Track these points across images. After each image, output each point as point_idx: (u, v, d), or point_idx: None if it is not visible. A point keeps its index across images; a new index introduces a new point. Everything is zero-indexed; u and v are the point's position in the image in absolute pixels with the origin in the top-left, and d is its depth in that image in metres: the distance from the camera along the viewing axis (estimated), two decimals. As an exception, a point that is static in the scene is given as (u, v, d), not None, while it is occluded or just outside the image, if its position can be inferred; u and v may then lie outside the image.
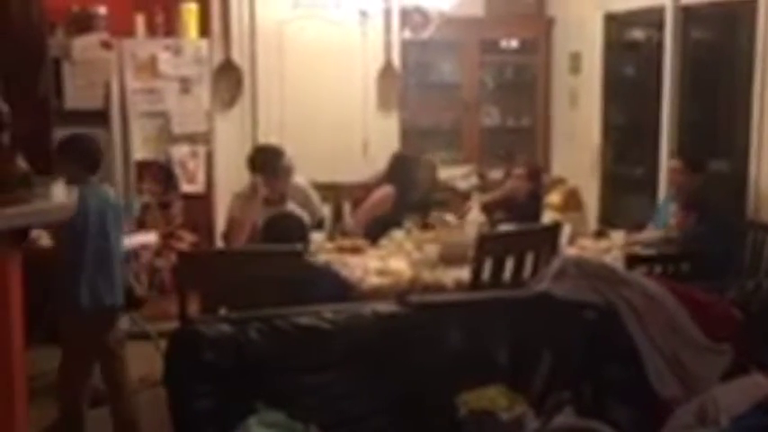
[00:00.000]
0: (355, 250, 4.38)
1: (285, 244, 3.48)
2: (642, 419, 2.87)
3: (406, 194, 5.02)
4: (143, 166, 5.78)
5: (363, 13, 6.35)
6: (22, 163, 3.10)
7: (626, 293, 3.05)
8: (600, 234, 4.90)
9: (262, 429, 2.51)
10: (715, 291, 3.23)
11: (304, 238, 3.72)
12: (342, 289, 3.71)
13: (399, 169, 5.16)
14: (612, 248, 4.39)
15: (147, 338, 4.82)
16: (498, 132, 7.31)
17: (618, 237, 4.49)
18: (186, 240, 5.63)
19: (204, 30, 5.98)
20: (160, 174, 5.80)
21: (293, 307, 2.91)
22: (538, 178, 5.30)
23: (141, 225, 5.58)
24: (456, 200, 6.28)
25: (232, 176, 5.63)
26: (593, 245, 4.51)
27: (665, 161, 5.75)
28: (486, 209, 5.08)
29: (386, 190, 5.03)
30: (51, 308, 3.88)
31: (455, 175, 6.79)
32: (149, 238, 5.12)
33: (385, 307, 2.97)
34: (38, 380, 4.09)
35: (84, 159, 3.89)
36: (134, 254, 5.19)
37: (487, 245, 3.82)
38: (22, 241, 3.02)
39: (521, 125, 7.38)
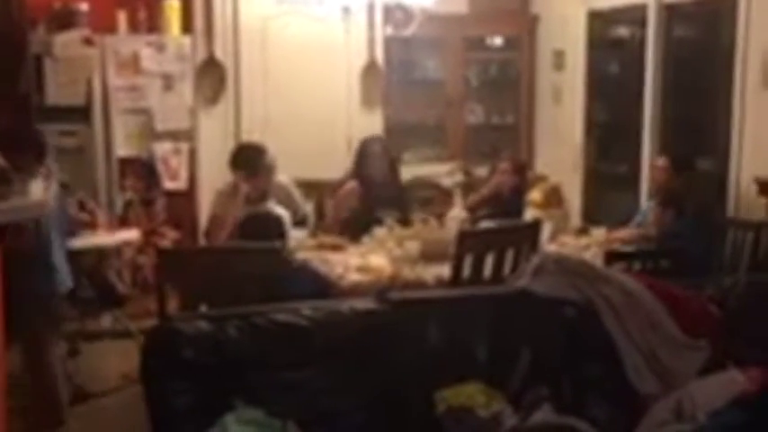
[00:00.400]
0: (336, 247, 4.38)
1: (262, 242, 3.48)
2: (620, 415, 2.88)
3: (371, 186, 4.99)
4: (125, 163, 5.77)
5: (346, 10, 6.33)
6: (0, 160, 3.10)
7: (604, 290, 3.06)
8: (582, 231, 4.92)
9: (239, 427, 2.51)
10: (693, 287, 3.25)
11: (282, 235, 3.73)
12: (320, 286, 3.71)
13: (358, 160, 5.13)
14: (592, 245, 4.40)
15: (130, 336, 4.81)
16: (482, 129, 7.32)
17: (598, 234, 4.51)
18: (169, 237, 5.62)
19: (187, 26, 5.97)
20: (143, 171, 5.79)
21: (272, 304, 2.91)
22: (523, 173, 5.30)
23: (124, 222, 5.57)
24: (441, 197, 6.29)
25: (215, 173, 5.62)
26: (573, 242, 4.53)
27: (648, 158, 5.78)
28: (472, 209, 5.08)
29: (349, 185, 5.03)
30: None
31: (440, 172, 6.79)
32: (132, 235, 5.11)
33: (363, 304, 2.97)
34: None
35: (31, 150, 3.86)
36: (116, 251, 5.19)
37: (468, 242, 3.82)
38: (1, 238, 3.02)
39: (505, 122, 7.39)
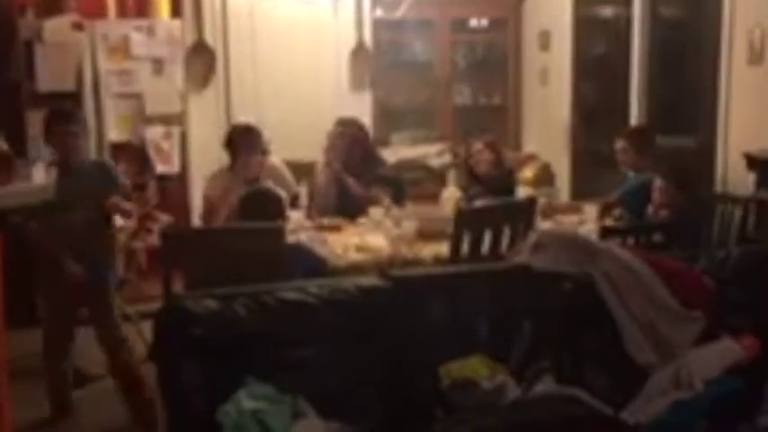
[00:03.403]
0: (334, 228, 4.43)
1: (262, 221, 3.51)
2: (619, 386, 2.95)
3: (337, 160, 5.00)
4: (117, 148, 5.78)
5: (335, -7, 6.37)
6: (3, 144, 3.12)
7: (602, 264, 3.12)
8: (574, 208, 4.94)
9: (252, 402, 2.56)
10: (687, 260, 3.32)
11: (281, 214, 3.76)
12: (314, 264, 3.74)
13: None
14: (587, 221, 4.47)
15: (127, 320, 4.83)
16: (470, 110, 7.38)
17: (591, 210, 4.57)
18: (162, 221, 5.64)
19: (176, 10, 5.97)
20: (134, 155, 5.79)
21: (278, 282, 2.96)
22: (495, 148, 5.32)
23: (116, 207, 5.57)
24: (430, 177, 6.34)
25: (206, 157, 5.64)
26: (567, 218, 4.59)
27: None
28: (465, 188, 5.11)
29: (318, 170, 5.07)
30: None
31: (429, 153, 6.85)
32: (125, 219, 5.11)
33: (368, 281, 3.02)
34: (18, 362, 4.11)
35: None
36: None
37: (465, 220, 3.88)
38: (2, 222, 3.03)
39: (492, 103, 7.45)
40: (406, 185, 5.36)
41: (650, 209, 4.31)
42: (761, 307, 3.14)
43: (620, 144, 4.89)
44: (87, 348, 4.74)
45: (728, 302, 3.16)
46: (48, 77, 5.44)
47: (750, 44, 4.81)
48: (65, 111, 4.09)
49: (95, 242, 3.94)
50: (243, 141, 4.55)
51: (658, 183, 4.28)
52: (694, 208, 4.25)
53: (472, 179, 5.18)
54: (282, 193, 4.00)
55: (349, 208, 4.72)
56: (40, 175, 3.44)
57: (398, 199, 4.89)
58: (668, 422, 2.74)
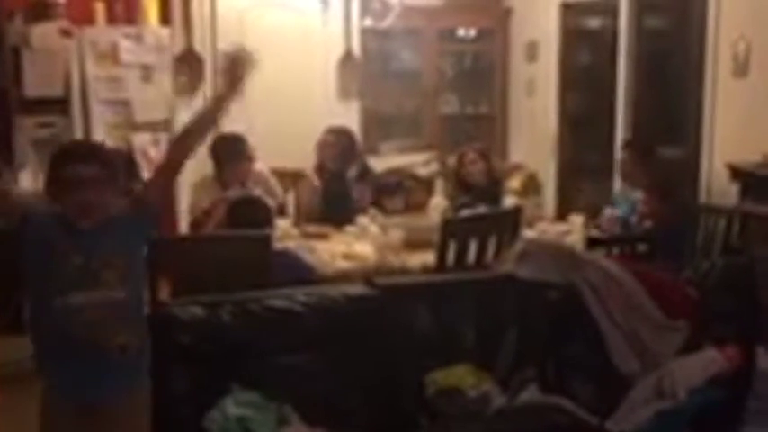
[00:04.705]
0: (321, 236, 4.44)
1: (251, 228, 3.52)
2: (603, 394, 2.97)
3: (331, 178, 5.02)
4: (105, 155, 5.75)
5: (324, 2, 6.38)
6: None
7: (587, 274, 3.15)
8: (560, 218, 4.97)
9: (238, 409, 2.57)
10: (671, 271, 3.36)
11: (269, 222, 3.77)
12: (302, 272, 3.75)
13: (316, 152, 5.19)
14: (572, 232, 4.49)
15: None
16: (457, 120, 7.41)
17: (577, 220, 4.60)
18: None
19: (165, 18, 5.96)
20: (122, 162, 5.78)
21: (265, 290, 2.97)
22: (488, 157, 5.35)
23: (103, 213, 5.55)
24: (417, 186, 6.34)
25: (193, 164, 5.57)
26: (552, 228, 4.61)
27: (621, 148, 5.90)
28: (452, 197, 5.13)
29: (306, 178, 5.11)
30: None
31: (416, 162, 6.87)
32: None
33: (354, 289, 3.04)
34: (4, 368, 4.10)
35: None
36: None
37: (452, 229, 3.90)
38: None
39: (479, 112, 7.49)
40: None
41: (634, 220, 4.36)
42: (744, 317, 3.18)
43: (622, 155, 4.92)
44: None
45: (712, 313, 3.20)
46: (35, 83, 5.42)
47: (734, 56, 4.86)
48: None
49: None
50: (228, 150, 4.56)
51: (642, 194, 4.33)
52: (678, 218, 4.30)
53: (461, 188, 5.20)
54: (270, 202, 4.02)
55: (337, 216, 4.73)
56: (28, 182, 3.43)
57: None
58: (651, 431, 2.76)
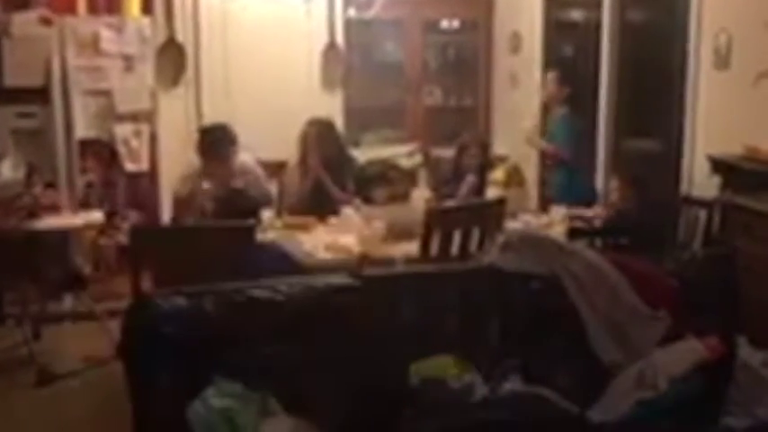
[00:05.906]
0: (305, 227, 4.43)
1: (238, 219, 3.52)
2: (585, 384, 2.98)
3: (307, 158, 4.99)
4: (86, 145, 5.73)
5: (308, -8, 6.37)
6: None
7: (569, 265, 3.16)
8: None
9: (220, 400, 2.56)
10: (653, 262, 3.37)
11: (255, 214, 3.76)
12: (288, 264, 3.74)
13: (299, 146, 5.13)
14: (554, 223, 4.51)
15: (92, 318, 4.81)
16: (441, 111, 7.42)
17: (558, 212, 4.62)
18: (131, 219, 5.61)
19: (146, 7, 5.94)
20: (103, 152, 5.75)
21: (248, 281, 2.95)
22: (487, 151, 5.36)
23: (85, 204, 5.53)
24: (401, 177, 6.35)
25: (176, 155, 5.61)
26: (535, 219, 4.63)
27: (604, 140, 5.93)
28: (436, 188, 5.13)
29: (289, 170, 5.07)
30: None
31: (399, 153, 6.87)
32: (95, 216, 5.08)
33: (338, 280, 3.03)
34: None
35: None
36: (78, 233, 5.17)
37: (435, 220, 3.90)
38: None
39: (463, 104, 7.50)
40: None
41: (603, 210, 4.43)
42: (725, 308, 3.20)
43: (550, 75, 5.17)
44: (55, 346, 4.73)
45: (693, 303, 3.21)
46: (15, 72, 5.38)
47: (716, 49, 4.88)
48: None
49: None
50: (214, 143, 4.54)
51: (613, 183, 4.41)
52: (655, 207, 4.35)
53: (454, 175, 5.19)
54: (257, 193, 4.00)
55: (321, 207, 4.72)
56: (8, 172, 3.40)
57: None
58: (633, 421, 2.78)
